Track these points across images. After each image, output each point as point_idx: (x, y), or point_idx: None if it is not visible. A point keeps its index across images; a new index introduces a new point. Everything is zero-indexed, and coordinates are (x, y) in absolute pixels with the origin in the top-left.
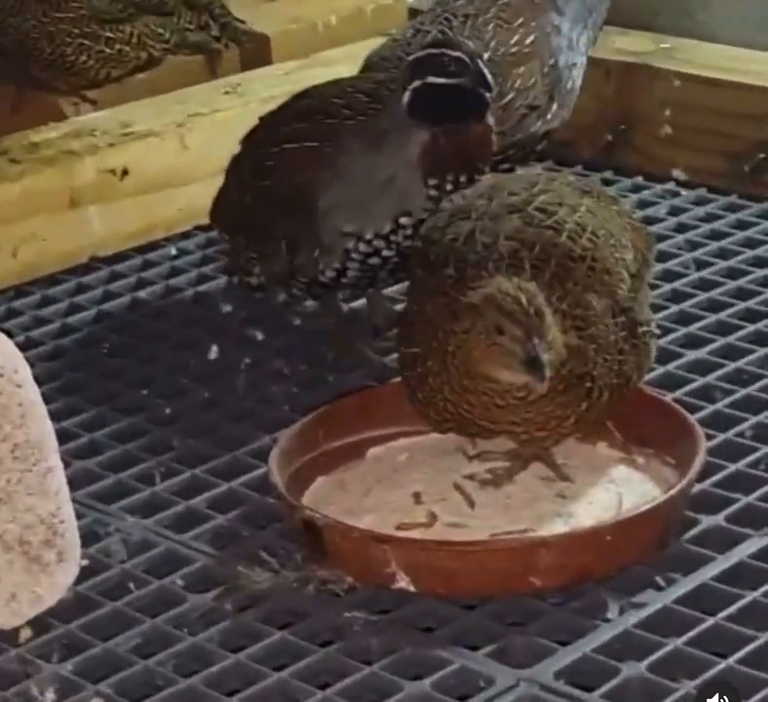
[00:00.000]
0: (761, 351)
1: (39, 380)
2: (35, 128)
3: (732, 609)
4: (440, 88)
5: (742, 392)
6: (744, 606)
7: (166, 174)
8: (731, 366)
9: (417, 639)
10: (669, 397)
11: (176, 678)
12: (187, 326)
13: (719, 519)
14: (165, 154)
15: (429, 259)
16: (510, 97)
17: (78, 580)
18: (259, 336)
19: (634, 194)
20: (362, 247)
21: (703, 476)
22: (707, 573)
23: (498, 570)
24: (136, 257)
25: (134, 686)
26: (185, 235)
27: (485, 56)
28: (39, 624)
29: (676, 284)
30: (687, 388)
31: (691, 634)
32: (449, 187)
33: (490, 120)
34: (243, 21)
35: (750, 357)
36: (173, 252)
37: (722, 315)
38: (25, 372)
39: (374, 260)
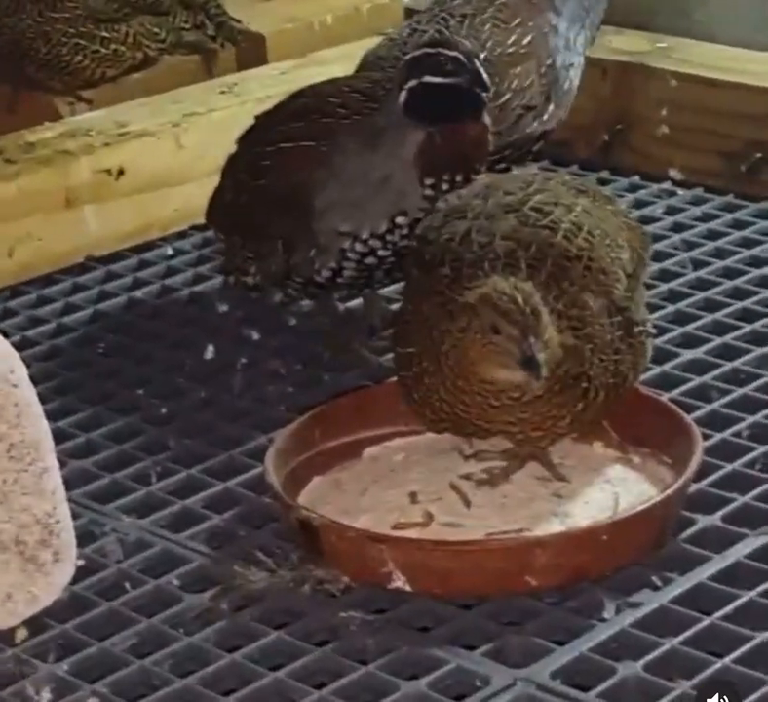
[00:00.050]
0: (758, 351)
1: (35, 380)
2: (31, 127)
3: (728, 609)
4: (436, 87)
5: (738, 392)
6: (740, 606)
7: (162, 173)
8: (728, 365)
9: (413, 638)
10: (665, 397)
11: (173, 677)
12: (183, 325)
13: (716, 519)
14: (161, 154)
15: (424, 259)
16: (506, 97)
17: (74, 580)
18: (255, 336)
19: (631, 194)
20: (358, 246)
21: (699, 476)
22: (703, 573)
23: (494, 570)
24: (132, 257)
25: (130, 686)
26: (181, 235)
27: (482, 55)
28: (35, 624)
29: (673, 283)
30: (684, 388)
31: (687, 633)
32: (445, 187)
33: (487, 120)
34: (238, 21)
35: (747, 357)
36: (169, 251)
37: (719, 315)
38: (21, 372)
39: (370, 260)
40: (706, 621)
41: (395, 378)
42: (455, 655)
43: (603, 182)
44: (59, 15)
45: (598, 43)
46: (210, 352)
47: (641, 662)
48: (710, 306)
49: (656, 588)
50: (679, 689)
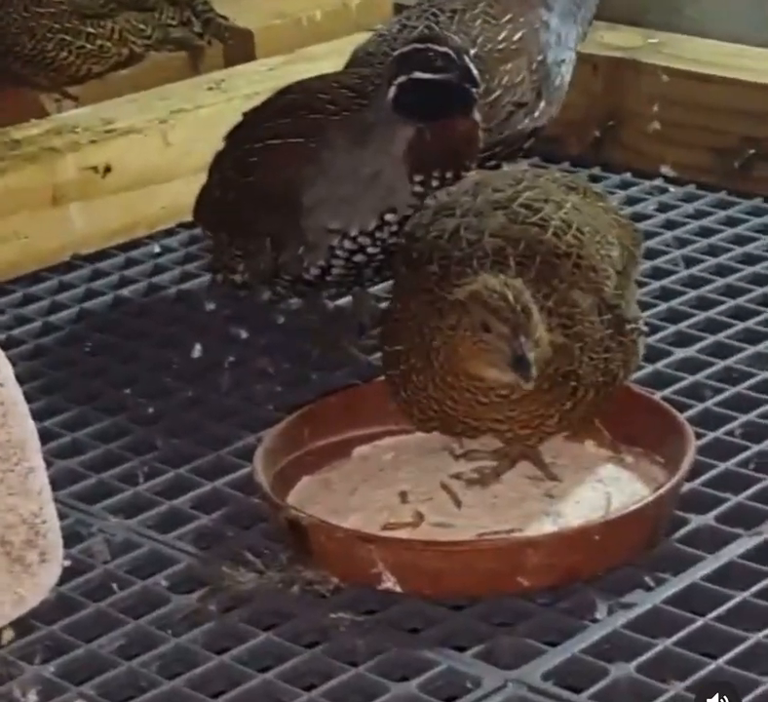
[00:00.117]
0: (751, 349)
1: (20, 379)
2: (16, 124)
3: (722, 610)
4: (426, 83)
5: (731, 390)
6: (733, 607)
7: (148, 170)
8: (720, 364)
9: (404, 640)
10: (658, 395)
11: (160, 679)
12: (170, 324)
13: (709, 518)
14: (147, 151)
15: (413, 257)
16: (497, 93)
17: (61, 581)
18: (243, 335)
19: (622, 191)
20: (346, 244)
21: (692, 475)
22: (696, 573)
23: (485, 570)
24: (119, 255)
25: (117, 688)
26: (168, 232)
27: (472, 51)
28: (21, 625)
29: (665, 281)
30: (676, 386)
31: (680, 634)
32: (435, 183)
33: (477, 116)
34: (226, 18)
35: (740, 355)
36: (156, 249)
37: (712, 313)
38: (7, 371)
39: (359, 258)
40: (699, 622)
41: (383, 377)
42: (446, 657)
43: (595, 179)
44: (45, 10)
45: (590, 38)
46: (197, 351)
47: (634, 663)
48: (703, 304)
49: (649, 588)
50: (673, 691)
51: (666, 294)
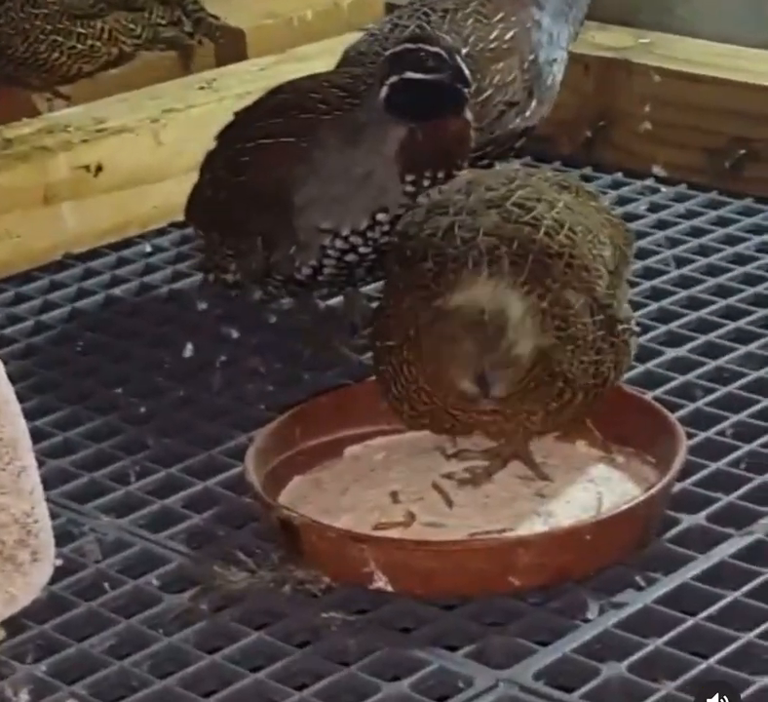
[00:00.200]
0: (742, 349)
1: (12, 378)
2: (8, 124)
3: (713, 610)
4: (417, 83)
5: (722, 390)
6: (724, 607)
7: (140, 170)
8: (712, 364)
9: (395, 639)
10: (649, 395)
11: (152, 679)
12: (162, 323)
13: (700, 518)
14: (139, 150)
15: (406, 255)
16: (488, 93)
17: (52, 580)
18: (235, 334)
19: (614, 190)
20: (338, 243)
21: (683, 475)
22: (687, 573)
23: (477, 570)
24: (111, 254)
25: (108, 687)
26: (160, 232)
27: (464, 51)
28: (13, 625)
29: (656, 281)
30: (667, 386)
31: (671, 634)
32: (427, 183)
33: (468, 116)
34: (216, 17)
35: (731, 355)
36: (148, 249)
37: (703, 312)
38: None
39: (351, 257)
40: (690, 621)
41: (374, 376)
42: (437, 656)
43: (586, 179)
44: (39, 11)
45: (581, 38)
46: (189, 350)
47: (625, 663)
48: (694, 304)
49: (640, 588)
50: (664, 690)
51: (657, 294)
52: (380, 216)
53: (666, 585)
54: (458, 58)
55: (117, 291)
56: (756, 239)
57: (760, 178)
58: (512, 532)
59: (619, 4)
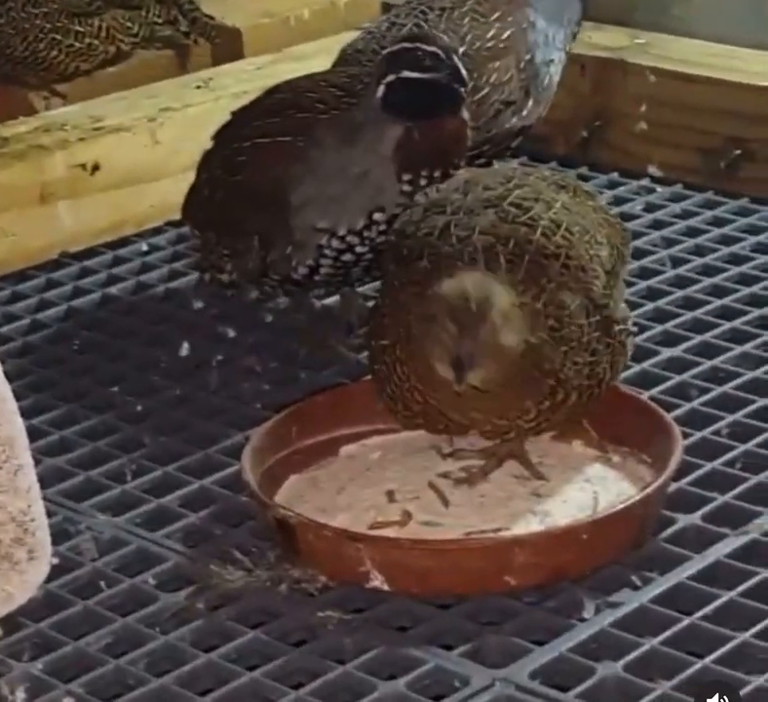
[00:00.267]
0: (738, 349)
1: (8, 377)
2: (5, 122)
3: (708, 609)
4: (414, 82)
5: (718, 390)
6: (720, 606)
7: (137, 169)
8: (707, 363)
9: (391, 638)
10: (644, 395)
11: (148, 677)
12: (158, 322)
13: (696, 518)
14: (136, 149)
15: (403, 254)
16: (485, 91)
17: (49, 579)
18: (231, 333)
19: (610, 190)
20: (335, 243)
21: (679, 474)
22: (683, 573)
23: (473, 569)
24: (107, 253)
25: (105, 686)
26: (156, 231)
27: (461, 50)
28: (9, 623)
29: (652, 281)
30: (663, 386)
31: (667, 633)
32: (423, 182)
33: (465, 115)
34: (212, 17)
35: (727, 355)
36: (144, 248)
37: (698, 312)
38: None
39: (348, 257)
40: (685, 621)
41: (370, 376)
42: (433, 655)
43: (582, 179)
44: (39, 10)
45: (577, 38)
46: (185, 349)
47: (621, 662)
48: (690, 304)
49: (636, 588)
50: (659, 690)
51: (652, 294)
52: (377, 216)
53: (662, 585)
54: (455, 58)
55: (113, 289)
56: (752, 239)
57: (756, 179)
58: (508, 532)
59: (615, 4)
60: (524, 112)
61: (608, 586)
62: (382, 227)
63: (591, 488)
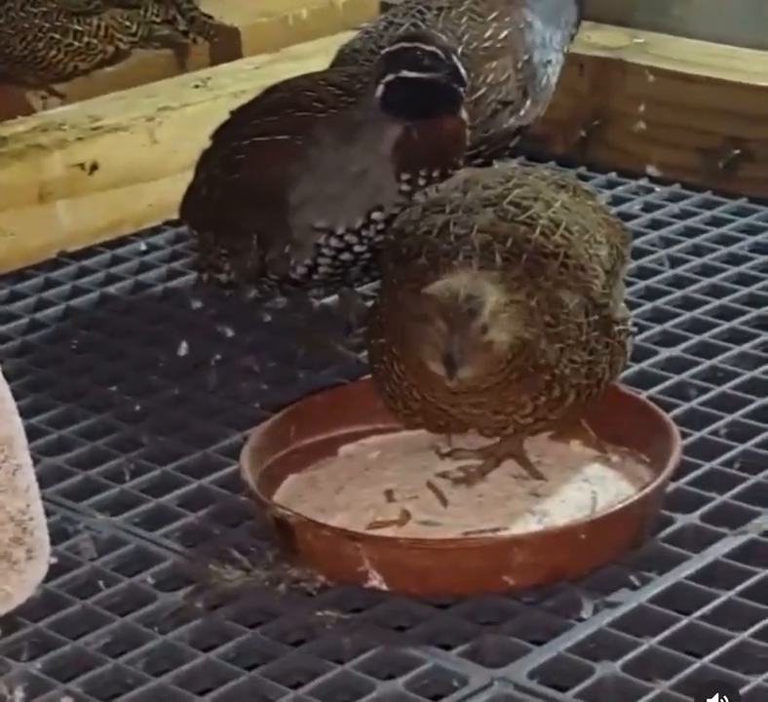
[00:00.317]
0: (736, 349)
1: (7, 376)
2: (3, 122)
3: (706, 609)
4: (413, 82)
5: (716, 390)
6: (718, 606)
7: (135, 168)
8: (706, 363)
9: (390, 638)
10: (643, 395)
11: (147, 677)
12: (156, 322)
13: (694, 518)
14: (134, 148)
15: (401, 252)
16: (482, 91)
17: (47, 578)
18: (229, 333)
19: (608, 190)
20: (333, 242)
21: (678, 474)
22: (681, 573)
23: (471, 569)
24: (105, 253)
25: (103, 685)
26: (155, 230)
27: (458, 49)
28: (8, 622)
29: (651, 281)
30: (661, 386)
31: (666, 633)
32: (422, 182)
33: (464, 115)
34: (210, 17)
35: (725, 355)
36: (143, 247)
37: (697, 312)
38: None
39: (346, 256)
40: (684, 621)
41: (370, 375)
42: (432, 655)
43: (581, 178)
44: (38, 9)
45: (576, 38)
46: (183, 349)
47: (619, 662)
48: (688, 304)
49: (634, 587)
50: (658, 689)
51: (651, 294)
52: (375, 215)
53: (660, 584)
54: (454, 58)
55: (112, 289)
56: (750, 239)
57: (754, 178)
58: (506, 531)
59: (614, 3)
60: (522, 112)
61: (607, 586)
62: (380, 226)
63: (589, 488)
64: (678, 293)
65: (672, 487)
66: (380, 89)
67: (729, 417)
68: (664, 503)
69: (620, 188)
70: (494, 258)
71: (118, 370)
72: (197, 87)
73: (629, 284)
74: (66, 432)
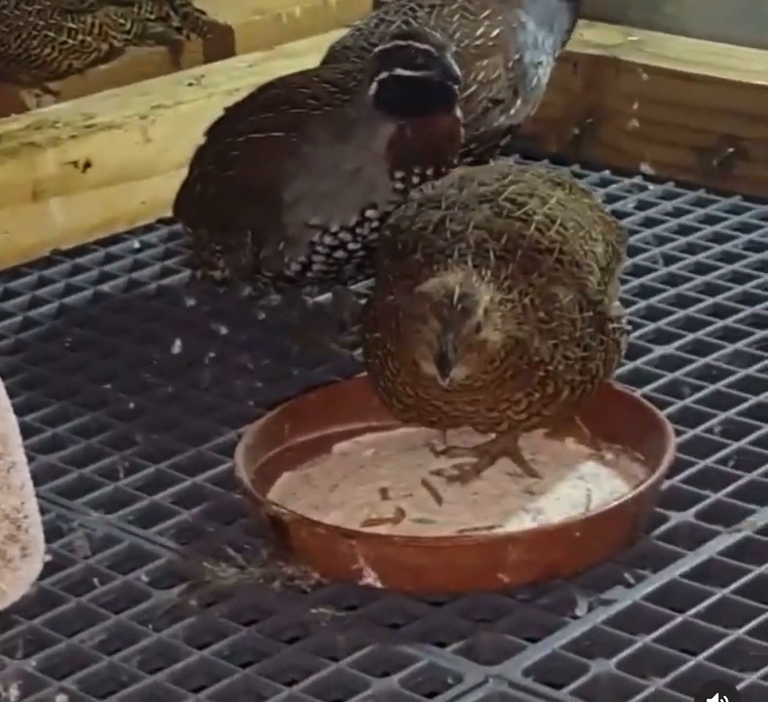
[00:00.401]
0: (730, 347)
1: (1, 374)
2: None
3: (701, 607)
4: (407, 80)
5: (710, 388)
6: (713, 604)
7: (128, 166)
8: (700, 361)
9: (384, 635)
10: (637, 393)
11: (141, 674)
12: (150, 320)
13: (689, 515)
14: (128, 146)
15: (397, 248)
16: (472, 89)
17: (42, 576)
18: (223, 331)
19: (602, 188)
20: (327, 239)
21: (672, 472)
22: (676, 570)
23: (466, 567)
24: (99, 251)
25: (98, 683)
26: (148, 228)
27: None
28: (3, 620)
29: (644, 279)
30: (656, 384)
31: (660, 631)
32: (416, 180)
33: (459, 113)
34: (203, 12)
35: (719, 353)
36: (136, 245)
37: (691, 310)
38: None
39: (340, 254)
40: (678, 619)
41: (364, 372)
42: (427, 652)
43: (574, 176)
44: (32, 7)
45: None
46: (177, 346)
47: (614, 660)
48: (682, 302)
49: (629, 585)
50: (652, 687)
51: (645, 292)
52: (369, 213)
53: (654, 582)
54: (448, 56)
55: (105, 287)
56: (744, 237)
57: (748, 177)
58: (501, 529)
59: (608, 2)
60: (513, 111)
61: (601, 583)
62: (375, 224)
63: (584, 486)
64: (672, 291)
65: (666, 484)
66: (374, 87)
67: (723, 415)
68: (658, 501)
69: (614, 186)
70: (488, 257)
71: (112, 368)
72: (190, 85)
73: (623, 282)
74: (60, 430)
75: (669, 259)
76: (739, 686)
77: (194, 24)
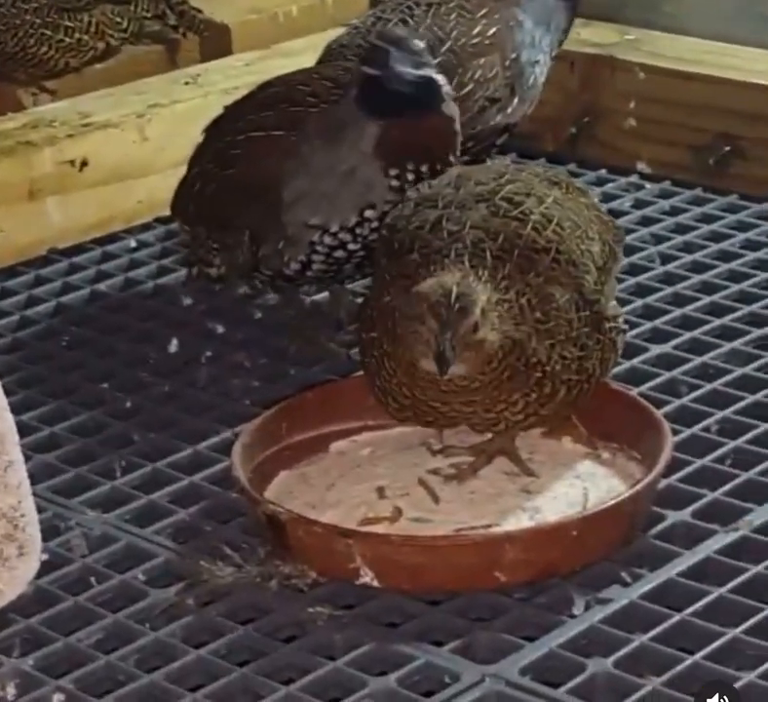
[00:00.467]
0: (727, 346)
1: None
2: None
3: (698, 605)
4: (386, 81)
5: (707, 387)
6: (710, 603)
7: (125, 165)
8: (696, 360)
9: (382, 634)
10: (634, 391)
11: (138, 673)
12: (147, 319)
13: (685, 514)
14: (124, 145)
15: (394, 247)
16: (469, 87)
17: (39, 575)
18: (220, 329)
19: (599, 187)
20: (327, 239)
21: (669, 471)
22: (673, 569)
23: (463, 566)
24: (96, 249)
25: (95, 682)
26: (145, 227)
27: (446, 46)
28: (0, 619)
29: (641, 278)
30: (652, 383)
31: (657, 630)
32: (411, 177)
33: (448, 110)
34: (200, 11)
35: (716, 351)
36: (133, 244)
37: (687, 309)
38: None
39: (339, 253)
40: (675, 617)
41: (361, 371)
42: (424, 651)
43: (571, 175)
44: (29, 6)
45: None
46: (174, 345)
47: (611, 658)
48: (679, 301)
49: (626, 584)
50: (649, 685)
51: (641, 291)
52: (368, 213)
53: (651, 581)
54: (427, 55)
55: (102, 286)
56: (741, 236)
57: (745, 175)
58: (498, 528)
59: (605, 0)
60: (509, 110)
61: (598, 582)
62: (374, 224)
63: (580, 485)
64: (669, 290)
65: (663, 483)
66: (356, 88)
67: (720, 414)
68: (655, 500)
69: (610, 185)
70: (484, 257)
71: (109, 367)
72: (187, 84)
73: (619, 280)
74: (57, 429)
75: (665, 258)
76: (736, 685)
77: (191, 23)
